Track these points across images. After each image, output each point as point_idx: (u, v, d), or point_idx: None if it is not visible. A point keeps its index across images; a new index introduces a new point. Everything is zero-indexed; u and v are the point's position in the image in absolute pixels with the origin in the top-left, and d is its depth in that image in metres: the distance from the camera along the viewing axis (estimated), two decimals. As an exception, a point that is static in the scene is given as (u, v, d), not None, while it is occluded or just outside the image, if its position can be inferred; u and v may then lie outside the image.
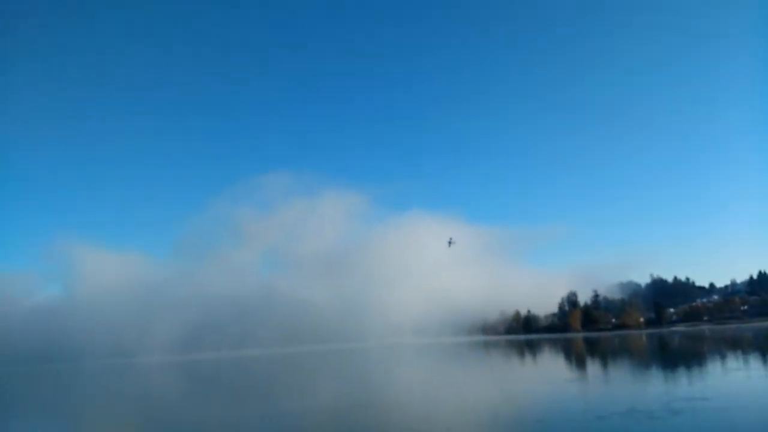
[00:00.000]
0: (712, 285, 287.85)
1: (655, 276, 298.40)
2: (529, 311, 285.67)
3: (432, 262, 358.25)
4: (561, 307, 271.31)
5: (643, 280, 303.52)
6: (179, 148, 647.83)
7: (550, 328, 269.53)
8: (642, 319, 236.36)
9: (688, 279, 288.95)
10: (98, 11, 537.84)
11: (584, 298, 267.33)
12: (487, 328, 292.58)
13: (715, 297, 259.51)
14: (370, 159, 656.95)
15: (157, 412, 44.62)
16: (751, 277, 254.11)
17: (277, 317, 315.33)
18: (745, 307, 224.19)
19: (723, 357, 64.23)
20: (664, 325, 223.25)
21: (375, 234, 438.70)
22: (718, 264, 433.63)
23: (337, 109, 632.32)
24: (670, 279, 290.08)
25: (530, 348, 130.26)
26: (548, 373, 64.28)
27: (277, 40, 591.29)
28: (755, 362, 55.95)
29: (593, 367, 68.47)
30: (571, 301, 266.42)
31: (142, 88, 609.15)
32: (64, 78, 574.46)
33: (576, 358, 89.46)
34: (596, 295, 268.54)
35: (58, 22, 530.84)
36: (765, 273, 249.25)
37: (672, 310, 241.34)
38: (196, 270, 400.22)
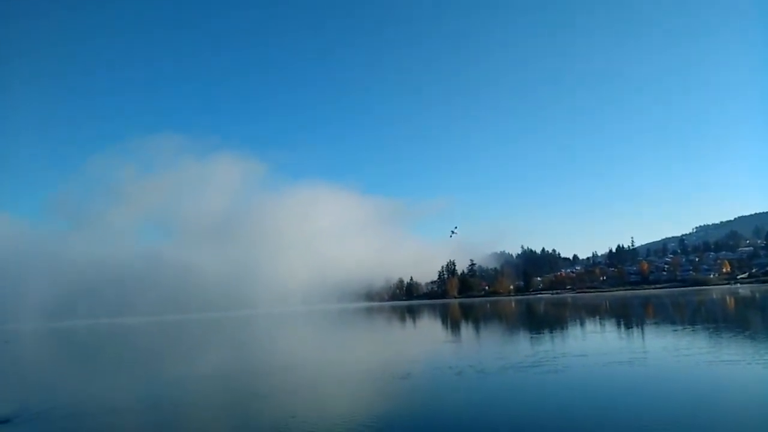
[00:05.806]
0: (575, 257, 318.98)
1: (525, 247, 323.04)
2: (411, 279, 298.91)
3: (324, 231, 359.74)
4: (440, 275, 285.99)
5: (515, 251, 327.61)
6: (57, 102, 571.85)
7: (430, 294, 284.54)
8: (512, 287, 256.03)
9: (554, 251, 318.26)
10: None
11: (462, 267, 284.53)
12: (372, 295, 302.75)
13: (578, 268, 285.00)
14: (273, 124, 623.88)
15: (24, 380, 42.30)
16: (610, 251, 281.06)
17: (161, 284, 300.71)
18: (604, 278, 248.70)
19: (582, 320, 72.84)
20: (532, 292, 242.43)
21: (268, 201, 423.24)
22: (582, 238, 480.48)
23: (238, 69, 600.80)
24: (538, 250, 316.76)
25: (410, 313, 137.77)
26: (422, 335, 70.08)
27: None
28: (610, 325, 64.57)
29: (466, 328, 73.91)
30: (450, 269, 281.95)
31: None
32: None
33: (451, 320, 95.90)
34: (472, 264, 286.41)
35: None
36: (622, 247, 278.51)
37: (539, 278, 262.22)
38: (70, 233, 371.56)
